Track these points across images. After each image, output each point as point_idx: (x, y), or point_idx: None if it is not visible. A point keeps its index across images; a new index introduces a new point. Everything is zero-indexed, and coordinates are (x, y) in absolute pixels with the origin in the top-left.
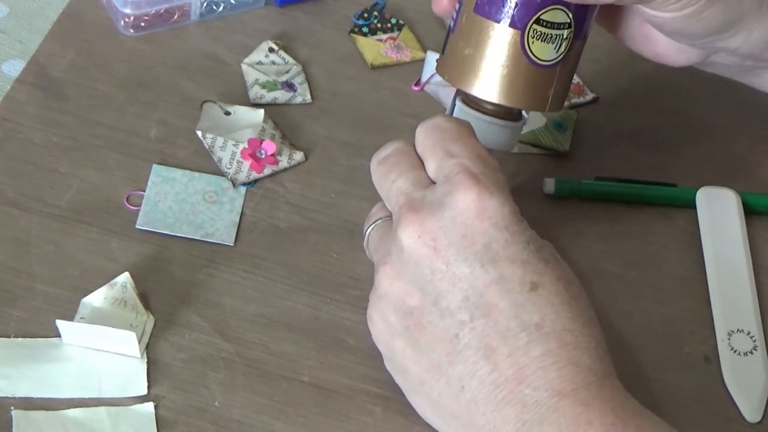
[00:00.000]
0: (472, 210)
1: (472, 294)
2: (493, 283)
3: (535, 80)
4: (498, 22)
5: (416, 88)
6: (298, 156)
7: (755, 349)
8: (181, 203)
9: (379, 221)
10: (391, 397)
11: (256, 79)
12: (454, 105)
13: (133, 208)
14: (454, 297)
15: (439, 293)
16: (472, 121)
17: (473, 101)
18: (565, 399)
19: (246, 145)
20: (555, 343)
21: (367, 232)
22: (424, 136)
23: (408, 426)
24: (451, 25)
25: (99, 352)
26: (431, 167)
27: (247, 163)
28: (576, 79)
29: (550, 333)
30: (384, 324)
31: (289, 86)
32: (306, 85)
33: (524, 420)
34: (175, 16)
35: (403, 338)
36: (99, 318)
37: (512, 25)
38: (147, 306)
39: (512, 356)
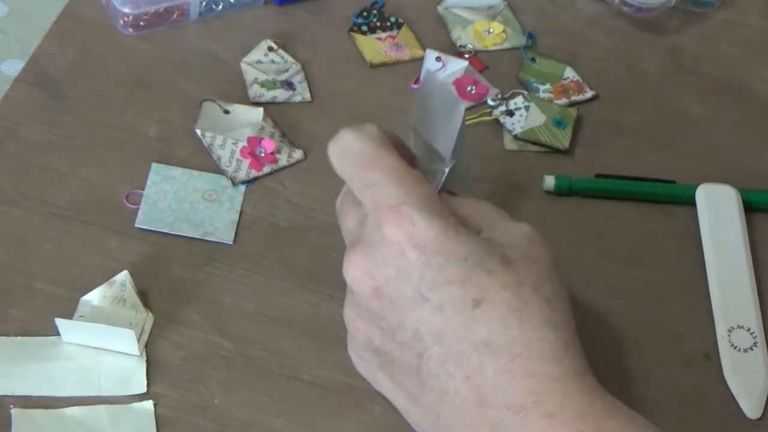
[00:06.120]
0: (399, 244)
1: (421, 324)
2: (436, 309)
3: None
4: None
5: (416, 87)
6: (298, 154)
7: (755, 346)
8: (181, 202)
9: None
10: None
11: (256, 78)
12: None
13: (133, 206)
14: (406, 330)
15: (394, 329)
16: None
17: None
18: (528, 414)
19: (245, 144)
20: (506, 357)
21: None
22: (337, 162)
23: (407, 424)
24: None
25: (98, 351)
26: (358, 198)
27: (246, 162)
28: (576, 76)
29: (499, 348)
30: (362, 361)
31: (289, 85)
32: (305, 84)
33: None
34: (174, 16)
35: (382, 372)
36: (98, 316)
37: None
38: (146, 304)
39: (469, 379)
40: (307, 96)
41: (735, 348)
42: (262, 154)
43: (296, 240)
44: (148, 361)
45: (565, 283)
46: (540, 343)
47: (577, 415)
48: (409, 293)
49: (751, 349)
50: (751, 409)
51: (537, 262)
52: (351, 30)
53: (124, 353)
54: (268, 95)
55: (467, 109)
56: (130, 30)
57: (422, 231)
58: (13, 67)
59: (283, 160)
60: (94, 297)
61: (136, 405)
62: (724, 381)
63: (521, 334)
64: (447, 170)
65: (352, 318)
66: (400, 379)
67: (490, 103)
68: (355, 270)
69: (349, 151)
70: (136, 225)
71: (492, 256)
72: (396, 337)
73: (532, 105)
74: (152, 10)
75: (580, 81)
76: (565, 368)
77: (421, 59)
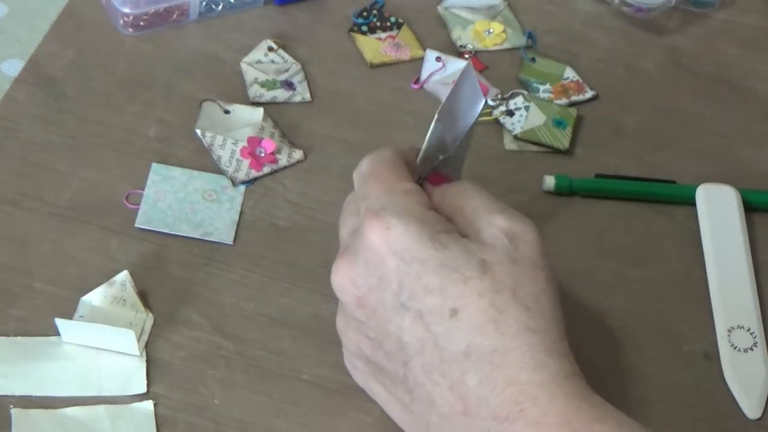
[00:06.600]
0: (378, 249)
1: (403, 333)
2: (416, 318)
3: None
4: None
5: (415, 87)
6: (298, 154)
7: (755, 346)
8: (181, 202)
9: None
10: None
11: (256, 78)
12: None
13: (133, 206)
14: (390, 339)
15: (380, 338)
16: None
17: None
18: (514, 423)
19: (245, 144)
20: (487, 368)
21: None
22: (354, 180)
23: None
24: None
25: (98, 351)
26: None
27: (246, 162)
28: (576, 76)
29: (479, 359)
30: (355, 369)
31: (289, 85)
32: (305, 84)
33: None
34: (174, 16)
35: (375, 380)
36: (98, 316)
37: None
38: (146, 304)
39: (453, 389)
40: (307, 96)
41: (735, 348)
42: (262, 154)
43: (296, 240)
44: (148, 361)
45: (554, 277)
46: (520, 351)
47: (563, 422)
48: (390, 302)
49: (751, 349)
50: (751, 409)
51: (518, 262)
52: (351, 30)
53: (124, 353)
54: (268, 95)
55: None
56: (130, 30)
57: (399, 235)
58: (13, 67)
59: (283, 160)
60: (94, 297)
61: (136, 405)
62: (724, 381)
63: (500, 344)
64: (441, 157)
65: (342, 328)
66: (390, 387)
67: (490, 103)
68: (340, 279)
69: (360, 171)
70: (136, 225)
71: (469, 262)
72: (383, 346)
73: (532, 105)
74: (152, 10)
75: (580, 81)
76: (548, 373)
77: (421, 59)
